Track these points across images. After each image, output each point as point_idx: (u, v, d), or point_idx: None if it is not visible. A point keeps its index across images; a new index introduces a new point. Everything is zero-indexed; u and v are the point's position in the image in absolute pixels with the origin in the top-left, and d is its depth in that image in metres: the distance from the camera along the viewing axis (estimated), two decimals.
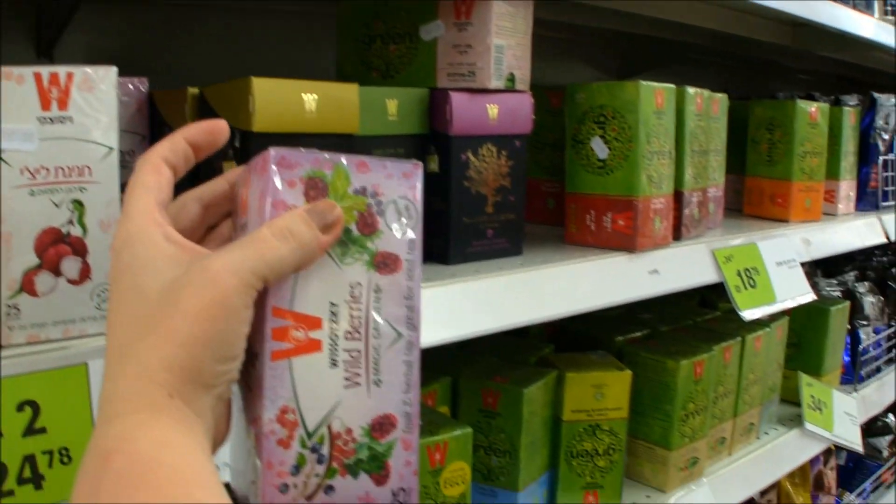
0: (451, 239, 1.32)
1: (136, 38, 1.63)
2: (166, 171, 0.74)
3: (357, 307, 0.74)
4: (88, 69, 0.90)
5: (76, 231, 0.92)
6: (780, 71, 3.43)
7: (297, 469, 0.73)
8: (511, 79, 1.33)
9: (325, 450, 0.73)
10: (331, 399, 0.73)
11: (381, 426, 0.75)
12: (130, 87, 1.18)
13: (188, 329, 0.66)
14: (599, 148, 1.48)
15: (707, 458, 1.86)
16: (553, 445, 1.61)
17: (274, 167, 0.71)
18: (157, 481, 0.61)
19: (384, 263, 0.75)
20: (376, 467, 0.75)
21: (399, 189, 0.76)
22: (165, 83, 1.24)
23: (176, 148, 0.75)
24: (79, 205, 0.91)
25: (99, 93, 0.91)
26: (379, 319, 0.75)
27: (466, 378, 1.52)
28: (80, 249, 0.92)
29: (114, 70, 0.92)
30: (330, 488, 0.74)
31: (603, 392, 1.58)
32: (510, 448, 1.49)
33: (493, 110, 1.32)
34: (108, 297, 0.72)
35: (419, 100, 1.30)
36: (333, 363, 0.73)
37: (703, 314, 2.11)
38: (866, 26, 2.29)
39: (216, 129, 0.78)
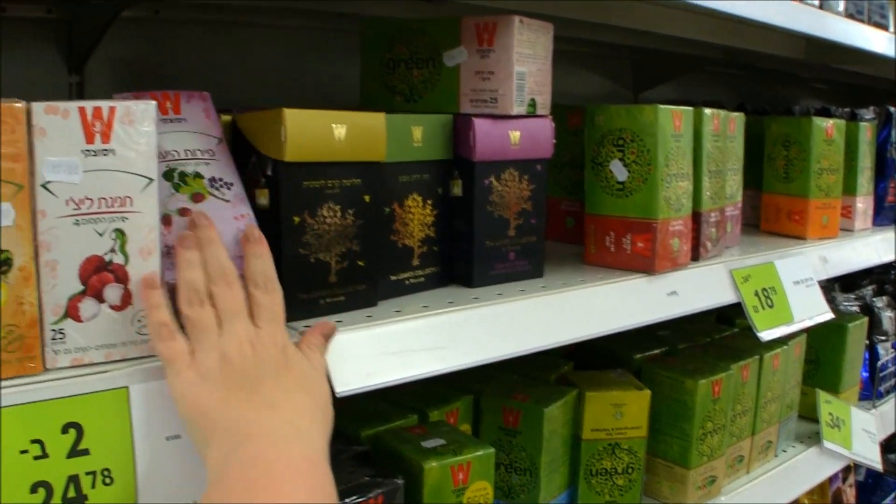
0: (474, 262, 1.38)
1: (166, 54, 1.69)
2: None
3: None
4: (129, 103, 0.96)
5: (118, 259, 0.98)
6: (795, 81, 3.46)
7: None
8: (532, 104, 1.38)
9: None
10: None
11: None
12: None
13: None
14: (619, 170, 1.53)
15: (725, 477, 1.91)
16: (573, 464, 1.66)
17: None
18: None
19: None
20: None
21: None
22: None
23: None
24: (121, 234, 0.97)
25: (139, 126, 0.97)
26: None
27: (488, 396, 1.57)
28: (121, 276, 0.98)
29: (153, 104, 0.98)
30: None
31: (622, 411, 1.63)
32: (530, 466, 1.54)
33: (514, 135, 1.38)
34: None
35: (443, 126, 1.36)
36: None
37: (720, 331, 2.14)
38: (879, 41, 2.31)
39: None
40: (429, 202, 1.34)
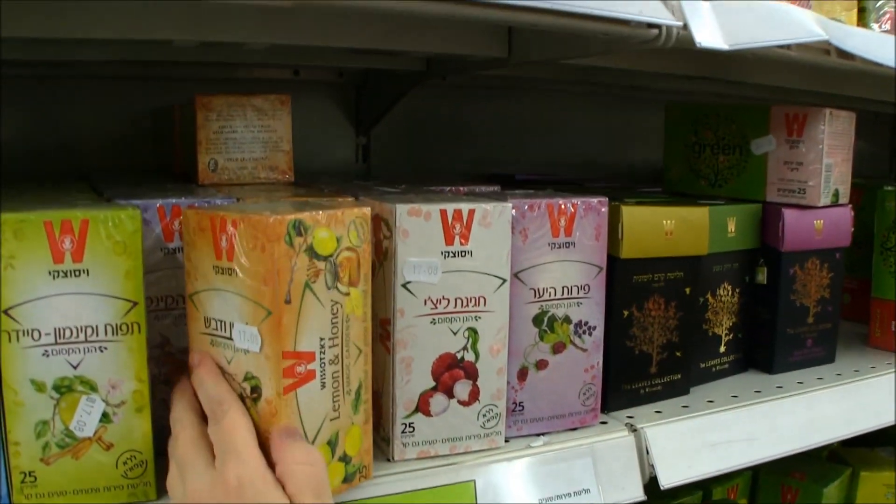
0: (776, 349, 1.35)
1: (451, 118, 1.69)
2: None
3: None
4: (488, 206, 0.94)
5: (469, 356, 0.96)
6: None
7: None
8: (836, 194, 1.34)
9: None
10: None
11: None
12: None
13: None
14: None
15: None
16: None
17: None
18: None
19: None
20: None
21: None
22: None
23: None
24: (473, 332, 0.96)
25: (496, 227, 0.95)
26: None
27: (766, 473, 1.54)
28: (471, 373, 0.97)
29: (509, 206, 0.96)
30: None
31: (894, 492, 1.57)
32: None
33: (818, 224, 1.34)
34: None
35: (753, 215, 1.32)
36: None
37: None
38: None
39: None
40: (737, 290, 1.31)
